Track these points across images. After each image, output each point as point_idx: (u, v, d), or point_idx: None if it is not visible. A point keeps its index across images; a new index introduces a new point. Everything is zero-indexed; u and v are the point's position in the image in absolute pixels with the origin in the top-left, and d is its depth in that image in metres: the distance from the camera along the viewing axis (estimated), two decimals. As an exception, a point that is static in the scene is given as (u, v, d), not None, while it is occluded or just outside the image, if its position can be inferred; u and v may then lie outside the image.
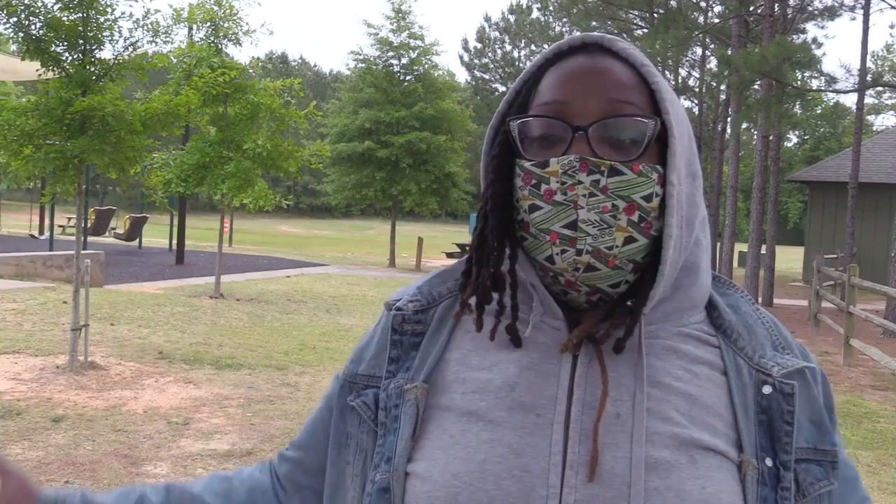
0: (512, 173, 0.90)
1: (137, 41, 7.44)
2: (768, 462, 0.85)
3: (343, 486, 0.97)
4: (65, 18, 7.09)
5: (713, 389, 0.88)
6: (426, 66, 25.61)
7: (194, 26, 12.85)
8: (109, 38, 7.33)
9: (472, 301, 0.93)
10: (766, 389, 0.88)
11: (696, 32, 22.57)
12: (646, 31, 24.76)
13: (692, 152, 0.90)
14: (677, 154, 0.87)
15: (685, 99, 30.26)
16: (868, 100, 41.12)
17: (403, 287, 1.04)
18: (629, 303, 0.88)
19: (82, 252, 7.76)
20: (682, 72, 30.60)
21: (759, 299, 17.18)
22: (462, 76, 65.08)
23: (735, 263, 21.86)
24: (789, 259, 34.85)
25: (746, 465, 0.85)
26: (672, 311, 0.90)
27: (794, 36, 21.68)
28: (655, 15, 23.96)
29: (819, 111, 65.25)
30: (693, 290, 0.91)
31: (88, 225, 21.63)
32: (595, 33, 0.91)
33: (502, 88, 63.24)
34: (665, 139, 0.87)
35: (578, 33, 0.93)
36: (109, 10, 7.25)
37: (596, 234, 0.84)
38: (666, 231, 0.85)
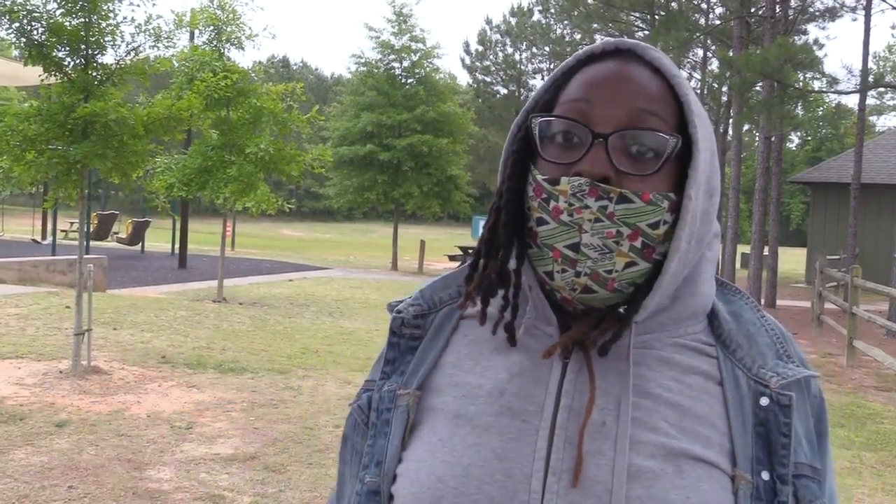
0: (528, 171, 0.90)
1: (139, 46, 7.45)
2: (765, 475, 0.84)
3: (346, 485, 1.00)
4: (67, 23, 7.10)
5: (707, 400, 0.87)
6: (427, 68, 25.62)
7: (196, 31, 12.87)
8: (111, 42, 7.33)
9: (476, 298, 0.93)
10: (764, 401, 0.86)
11: (698, 34, 22.56)
12: (647, 33, 24.76)
13: (714, 169, 0.89)
14: (700, 169, 0.86)
15: (687, 100, 30.11)
16: (870, 101, 41.07)
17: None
18: (622, 310, 0.87)
19: (85, 257, 7.77)
20: (684, 73, 30.58)
21: (762, 301, 17.16)
22: (463, 79, 65.15)
23: (737, 265, 21.83)
24: (792, 260, 34.81)
25: (739, 479, 0.83)
26: (669, 321, 0.90)
27: (795, 37, 21.66)
28: (656, 17, 23.96)
29: (821, 112, 65.26)
30: (691, 300, 0.90)
31: (91, 230, 21.65)
32: (629, 40, 0.90)
33: (504, 91, 63.19)
34: (685, 156, 0.87)
35: (613, 39, 0.91)
36: (111, 15, 7.26)
37: (596, 258, 0.83)
38: (673, 244, 0.85)
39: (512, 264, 0.91)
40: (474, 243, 0.97)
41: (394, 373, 0.95)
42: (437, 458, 0.86)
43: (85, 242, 10.81)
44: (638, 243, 0.84)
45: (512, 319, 0.90)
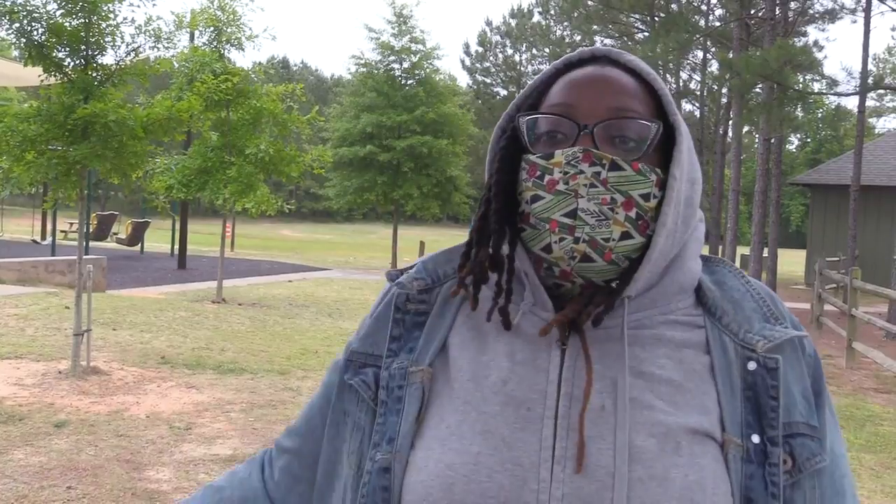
0: (516, 167, 0.93)
1: (139, 47, 7.45)
2: (755, 439, 0.86)
3: (339, 463, 0.98)
4: (67, 24, 7.10)
5: (698, 370, 0.89)
6: (427, 70, 25.60)
7: (196, 31, 12.87)
8: (111, 43, 7.33)
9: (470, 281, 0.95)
10: (751, 366, 0.88)
11: (697, 36, 22.58)
12: (647, 34, 24.77)
13: (693, 159, 0.93)
14: (684, 151, 0.90)
15: (686, 102, 30.24)
16: (869, 102, 41.07)
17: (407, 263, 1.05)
18: (613, 284, 0.89)
19: (84, 257, 7.77)
20: (684, 75, 30.63)
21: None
22: (463, 80, 65.12)
23: (737, 266, 21.84)
24: (791, 262, 34.80)
25: (728, 443, 0.85)
26: (658, 296, 0.92)
27: (795, 39, 21.68)
28: (656, 19, 23.97)
29: (820, 114, 65.34)
30: (679, 274, 0.93)
31: (90, 230, 21.65)
32: (604, 47, 0.96)
33: (504, 92, 63.26)
34: (665, 147, 0.91)
35: (588, 48, 0.97)
36: (111, 15, 7.27)
37: (594, 225, 0.86)
38: (660, 219, 0.88)
39: (505, 251, 0.93)
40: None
41: (402, 350, 0.95)
42: (447, 447, 0.86)
43: (84, 243, 10.78)
44: (633, 213, 0.87)
45: (506, 304, 0.92)
